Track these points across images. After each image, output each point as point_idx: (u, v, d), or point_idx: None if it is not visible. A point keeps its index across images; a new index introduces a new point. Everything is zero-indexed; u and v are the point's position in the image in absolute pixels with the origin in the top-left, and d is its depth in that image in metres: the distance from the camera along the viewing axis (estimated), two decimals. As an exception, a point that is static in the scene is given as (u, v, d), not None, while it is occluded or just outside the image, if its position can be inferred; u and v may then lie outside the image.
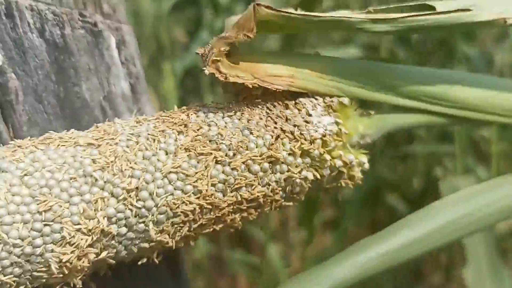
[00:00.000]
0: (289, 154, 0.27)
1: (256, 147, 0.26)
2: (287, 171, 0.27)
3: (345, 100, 0.29)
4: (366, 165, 0.30)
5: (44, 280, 0.24)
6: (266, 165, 0.26)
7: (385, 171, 1.53)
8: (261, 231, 1.45)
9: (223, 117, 0.27)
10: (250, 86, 0.27)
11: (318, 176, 0.28)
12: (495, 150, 1.22)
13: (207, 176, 0.25)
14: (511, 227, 1.26)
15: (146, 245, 0.25)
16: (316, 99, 0.29)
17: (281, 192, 0.27)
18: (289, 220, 1.77)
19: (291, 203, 0.29)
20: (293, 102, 0.28)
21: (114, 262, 0.26)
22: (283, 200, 0.28)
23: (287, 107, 0.28)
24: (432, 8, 0.29)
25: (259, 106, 0.28)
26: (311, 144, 0.27)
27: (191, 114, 0.27)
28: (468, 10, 0.29)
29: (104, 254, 0.24)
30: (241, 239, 1.68)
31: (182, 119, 0.26)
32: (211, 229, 0.27)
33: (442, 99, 0.32)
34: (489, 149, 1.24)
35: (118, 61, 0.30)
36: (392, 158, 1.68)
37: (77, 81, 0.28)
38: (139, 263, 0.26)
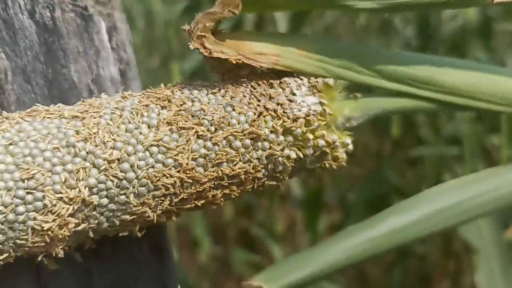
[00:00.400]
0: (271, 132, 0.27)
1: (238, 123, 0.27)
2: (269, 149, 0.27)
3: (331, 81, 0.30)
4: (350, 146, 0.30)
5: (27, 249, 0.24)
6: (247, 141, 0.27)
7: (392, 176, 1.52)
8: (266, 233, 1.45)
9: (207, 94, 0.27)
10: (234, 62, 0.27)
11: (301, 155, 0.28)
12: (505, 155, 1.20)
13: (188, 150, 0.26)
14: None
15: (127, 217, 0.26)
16: (301, 79, 0.29)
17: (263, 170, 0.28)
18: (297, 223, 1.77)
19: (274, 183, 0.29)
20: (278, 81, 0.29)
21: (97, 235, 0.26)
22: (265, 178, 0.28)
23: (271, 86, 0.29)
24: None
25: (243, 84, 0.28)
26: (293, 122, 0.28)
27: (176, 91, 0.27)
28: None
29: (85, 224, 0.25)
30: (248, 241, 1.68)
31: (166, 95, 0.27)
32: (193, 204, 0.27)
33: (429, 84, 0.32)
34: (499, 155, 1.23)
35: (108, 45, 0.31)
36: (400, 162, 1.67)
37: (66, 63, 0.29)
38: (120, 234, 0.27)
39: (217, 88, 0.28)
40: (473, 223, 0.73)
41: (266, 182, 0.29)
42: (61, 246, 0.25)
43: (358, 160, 2.00)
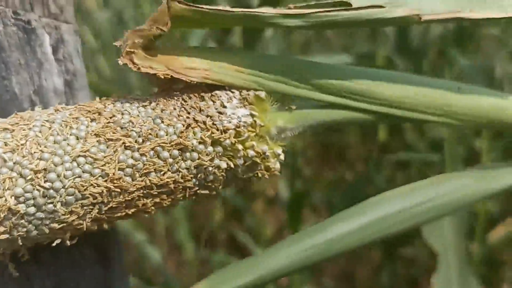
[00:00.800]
0: (200, 143, 0.28)
1: (166, 135, 0.28)
2: (198, 159, 0.28)
3: (262, 94, 0.31)
4: (282, 156, 0.31)
5: None
6: (175, 152, 0.28)
7: (380, 179, 1.53)
8: (250, 237, 1.46)
9: (138, 107, 0.28)
10: (162, 77, 0.28)
11: (232, 165, 0.29)
12: (485, 160, 1.21)
13: (115, 160, 0.27)
14: (505, 237, 1.25)
15: (56, 225, 0.27)
16: (232, 92, 0.30)
17: (193, 179, 0.29)
18: (286, 227, 1.77)
19: (207, 192, 0.30)
20: (209, 94, 0.30)
21: (28, 242, 0.27)
22: (197, 187, 0.29)
23: (202, 99, 0.30)
24: (348, 4, 0.30)
25: (175, 97, 0.29)
26: (221, 134, 0.29)
27: (109, 104, 0.29)
28: (381, 6, 0.30)
29: (14, 232, 0.26)
30: (237, 245, 1.69)
31: (97, 108, 0.28)
32: (123, 212, 0.28)
33: (365, 96, 0.33)
34: (480, 160, 1.24)
35: (51, 57, 0.32)
36: (388, 166, 1.68)
37: (7, 75, 0.30)
38: (53, 244, 0.28)
39: (149, 101, 0.29)
40: (437, 226, 0.75)
41: (198, 191, 0.30)
42: (-9, 253, 0.26)
43: (349, 163, 2.01)
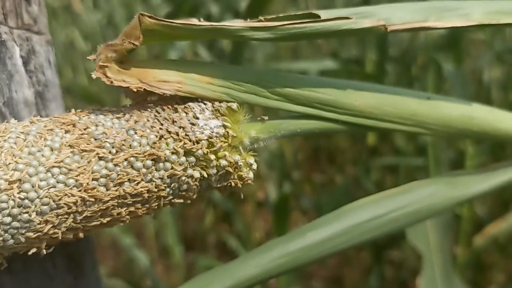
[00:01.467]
0: (172, 153, 0.29)
1: (140, 146, 0.29)
2: (171, 169, 0.29)
3: (234, 105, 0.32)
4: (254, 166, 0.32)
5: None
6: (148, 162, 0.29)
7: (369, 183, 1.54)
8: (239, 240, 1.47)
9: (112, 119, 0.29)
10: (135, 90, 0.29)
11: (205, 175, 0.30)
12: (469, 164, 1.23)
13: (89, 171, 0.27)
14: (491, 240, 1.26)
15: (31, 234, 0.27)
16: (205, 103, 0.31)
17: (167, 189, 0.30)
18: (274, 231, 1.78)
19: (181, 201, 0.31)
20: (183, 106, 0.31)
21: (5, 251, 0.28)
22: (171, 197, 0.30)
23: (176, 110, 0.31)
24: (317, 16, 0.32)
25: (149, 109, 0.30)
26: (194, 144, 0.30)
27: (83, 116, 0.29)
28: (348, 18, 0.31)
29: None
30: (227, 248, 1.70)
31: (71, 120, 0.29)
32: (99, 222, 0.29)
33: (335, 106, 0.34)
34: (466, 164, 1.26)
35: (22, 69, 0.33)
36: (376, 169, 1.69)
37: (-23, 88, 0.31)
38: (29, 253, 0.28)
39: (123, 113, 0.30)
40: (421, 229, 0.76)
41: (172, 200, 0.31)
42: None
43: (339, 167, 2.02)
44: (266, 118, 0.33)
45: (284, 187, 1.47)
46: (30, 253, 0.29)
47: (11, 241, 0.27)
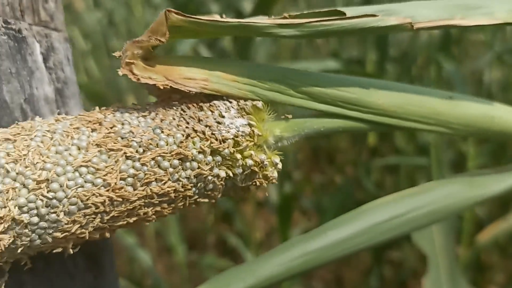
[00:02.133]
0: (199, 152, 0.29)
1: (166, 145, 0.28)
2: (198, 168, 0.29)
3: (259, 104, 0.31)
4: (279, 165, 0.32)
5: None
6: (175, 161, 0.28)
7: (369, 183, 1.54)
8: (240, 240, 1.47)
9: (137, 117, 0.29)
10: (161, 87, 0.29)
11: (231, 174, 0.30)
12: (471, 165, 1.23)
13: (116, 170, 0.27)
14: (492, 240, 1.27)
15: (59, 234, 0.27)
16: (230, 102, 0.31)
17: (193, 188, 0.29)
18: (275, 230, 1.78)
19: (207, 200, 0.31)
20: (208, 104, 0.30)
21: (31, 251, 0.28)
22: (197, 196, 0.30)
23: (201, 109, 0.30)
24: (342, 14, 0.31)
25: (174, 107, 0.30)
26: (221, 143, 0.29)
27: (108, 114, 0.29)
28: (375, 15, 0.31)
29: (18, 242, 0.26)
30: (227, 248, 1.70)
31: (97, 118, 0.28)
32: (125, 221, 0.28)
33: (358, 105, 0.34)
34: (467, 164, 1.26)
35: (42, 65, 0.32)
36: (376, 169, 1.69)
37: (-2, 84, 0.30)
38: (54, 251, 0.28)
39: (148, 112, 0.29)
40: (426, 230, 0.76)
41: (198, 199, 0.30)
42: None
43: (339, 167, 2.02)
44: (290, 116, 0.33)
45: (284, 187, 1.47)
46: (54, 251, 0.28)
47: (38, 241, 0.27)
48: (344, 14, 0.32)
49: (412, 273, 1.57)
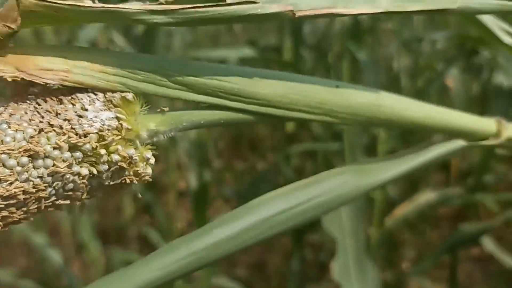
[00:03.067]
0: (54, 148, 0.26)
1: (14, 141, 0.25)
2: (53, 166, 0.26)
3: (129, 96, 0.29)
4: (152, 160, 0.30)
5: None
6: (24, 159, 0.25)
7: (288, 169, 1.56)
8: (161, 232, 1.44)
9: None
10: (10, 80, 0.26)
11: (95, 172, 0.28)
12: (381, 149, 1.28)
13: None
14: (402, 219, 1.33)
15: None
16: (95, 94, 0.28)
17: (49, 189, 0.27)
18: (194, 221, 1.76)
19: (68, 202, 0.28)
20: (70, 97, 0.28)
21: None
22: (54, 198, 0.27)
23: (61, 102, 0.27)
24: (221, 0, 0.29)
25: (28, 101, 0.27)
26: (80, 138, 0.27)
27: None
28: (255, 2, 0.30)
29: None
30: (149, 243, 1.66)
31: None
32: None
33: (241, 95, 0.33)
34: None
35: None
36: (296, 156, 1.72)
37: None
38: None
39: None
40: (335, 214, 0.78)
41: (56, 201, 0.27)
42: None
43: (260, 154, 2.03)
44: (166, 109, 0.31)
45: (204, 175, 1.45)
46: None
47: None
48: (223, 0, 0.30)
49: (331, 254, 1.62)
